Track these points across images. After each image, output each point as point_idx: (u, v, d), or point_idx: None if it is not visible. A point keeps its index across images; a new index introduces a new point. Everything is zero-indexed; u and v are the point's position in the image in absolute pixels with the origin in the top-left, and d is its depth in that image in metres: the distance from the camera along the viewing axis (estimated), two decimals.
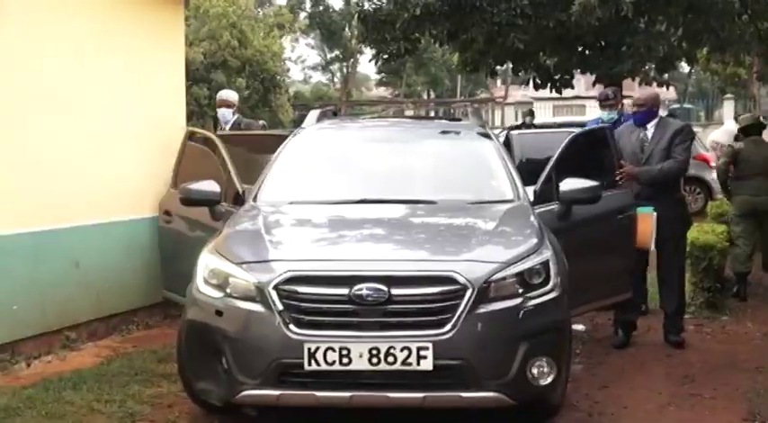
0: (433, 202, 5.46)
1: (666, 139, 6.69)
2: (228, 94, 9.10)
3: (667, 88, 18.65)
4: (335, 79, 60.52)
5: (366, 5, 13.68)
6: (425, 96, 57.28)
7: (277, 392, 4.36)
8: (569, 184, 5.62)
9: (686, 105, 51.69)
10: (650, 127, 6.81)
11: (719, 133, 14.40)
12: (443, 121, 7.51)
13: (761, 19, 14.20)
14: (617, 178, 6.53)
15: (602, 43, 13.89)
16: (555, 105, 41.22)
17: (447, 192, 5.64)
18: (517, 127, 13.64)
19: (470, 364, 4.29)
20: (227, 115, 8.80)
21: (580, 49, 14.30)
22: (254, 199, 5.64)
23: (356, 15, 13.71)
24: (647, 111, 6.83)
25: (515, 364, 4.39)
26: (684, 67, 26.46)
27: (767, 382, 5.74)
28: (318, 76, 63.04)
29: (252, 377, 4.37)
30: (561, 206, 5.72)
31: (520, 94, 49.42)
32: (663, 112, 7.63)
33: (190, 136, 7.32)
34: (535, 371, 4.48)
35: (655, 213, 6.41)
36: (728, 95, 33.17)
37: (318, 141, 6.38)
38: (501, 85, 53.22)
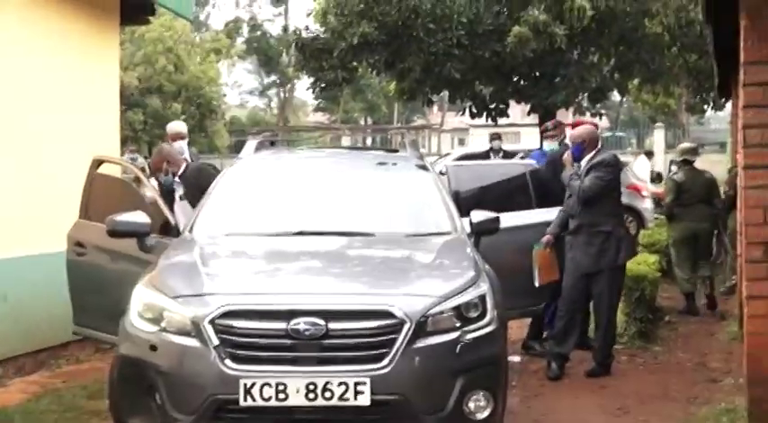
0: (370, 235, 5.44)
1: (586, 173, 6.82)
2: (180, 126, 8.73)
3: (600, 118, 19.04)
4: (272, 104, 60.37)
5: (304, 34, 13.73)
6: (362, 123, 57.47)
7: None
8: (478, 216, 5.74)
9: (618, 133, 52.78)
10: (584, 161, 6.87)
11: (638, 169, 14.94)
12: (381, 152, 7.48)
13: (689, 52, 14.61)
14: None
15: (537, 74, 14.16)
16: (490, 133, 41.64)
17: (385, 224, 5.63)
18: (486, 153, 13.47)
19: (408, 399, 4.26)
20: (184, 147, 8.37)
21: (515, 79, 14.59)
22: (190, 230, 5.57)
23: (294, 43, 13.75)
24: (579, 145, 6.94)
25: (452, 398, 4.37)
26: (616, 97, 27.01)
27: (699, 412, 5.83)
28: (255, 101, 62.82)
29: (186, 413, 4.28)
30: (473, 236, 5.74)
31: (456, 120, 49.93)
32: None
33: (98, 164, 7.03)
34: (472, 405, 4.46)
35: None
36: (659, 124, 33.96)
37: (256, 172, 6.33)
38: (437, 112, 53.66)
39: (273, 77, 56.69)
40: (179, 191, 7.17)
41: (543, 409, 6.02)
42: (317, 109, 59.95)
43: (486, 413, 4.49)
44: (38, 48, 7.02)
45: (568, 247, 6.86)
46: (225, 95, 37.86)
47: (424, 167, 6.36)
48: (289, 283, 4.74)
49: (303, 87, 75.95)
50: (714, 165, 17.00)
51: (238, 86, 61.19)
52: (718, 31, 7.61)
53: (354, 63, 13.74)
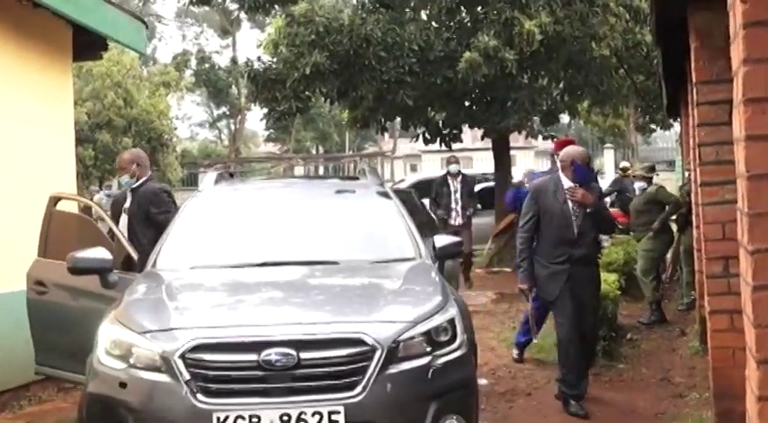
0: (335, 263, 5.45)
1: (595, 198, 6.41)
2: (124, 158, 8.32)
3: (552, 140, 19.26)
4: (223, 136, 60.15)
5: (256, 64, 13.74)
6: (314, 152, 57.51)
7: None
8: (442, 241, 5.83)
9: None
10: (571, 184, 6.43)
11: None
12: (342, 180, 7.51)
13: (636, 73, 14.89)
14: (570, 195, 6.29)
15: (489, 98, 14.31)
16: (442, 158, 41.93)
17: (349, 251, 5.64)
18: (444, 177, 13.20)
19: None
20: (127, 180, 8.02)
21: (467, 104, 14.70)
22: (153, 264, 5.52)
23: (246, 74, 13.75)
24: (587, 168, 6.55)
25: None
26: (565, 119, 27.33)
27: None
28: (205, 133, 62.58)
29: None
30: (438, 261, 5.77)
31: (408, 147, 50.14)
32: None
33: (55, 202, 6.84)
34: None
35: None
36: (608, 145, 34.43)
37: (216, 204, 6.31)
38: (389, 139, 53.90)
39: (223, 109, 56.56)
40: (126, 202, 7.01)
41: None
42: (269, 139, 59.88)
43: None
44: None
45: (562, 279, 6.30)
46: (176, 128, 37.63)
47: (385, 194, 6.39)
48: (258, 314, 4.71)
49: (254, 118, 75.99)
50: (664, 182, 17.28)
51: (188, 119, 60.99)
52: (667, 52, 7.77)
53: (307, 93, 13.76)
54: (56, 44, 7.87)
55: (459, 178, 13.18)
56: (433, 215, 12.60)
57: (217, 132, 61.70)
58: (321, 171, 44.39)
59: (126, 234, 6.56)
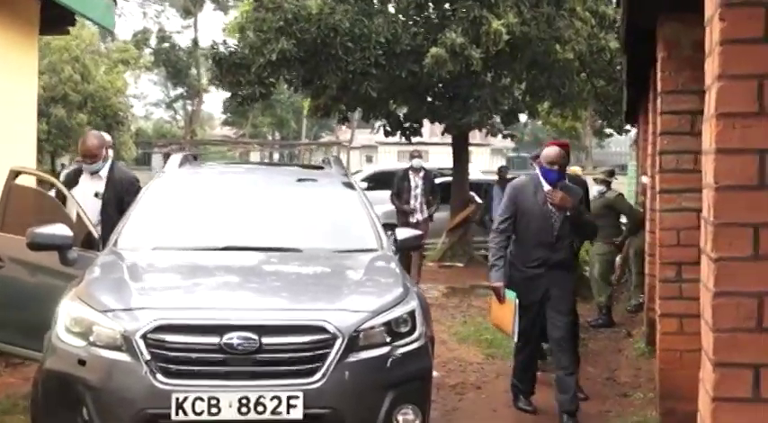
0: (298, 250, 5.49)
1: (576, 202, 6.16)
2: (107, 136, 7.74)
3: (512, 139, 19.49)
4: (178, 117, 59.61)
5: (221, 48, 13.67)
6: (271, 138, 57.27)
7: None
8: (403, 233, 5.94)
9: (523, 154, 53.96)
10: (558, 188, 6.12)
11: None
12: (307, 168, 7.53)
13: (597, 78, 15.08)
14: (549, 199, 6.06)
15: (452, 95, 14.38)
16: (399, 150, 42.06)
17: (312, 240, 5.68)
18: (406, 172, 12.98)
19: (340, 413, 4.32)
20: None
21: (430, 99, 14.77)
22: (114, 244, 5.51)
23: (211, 57, 13.67)
24: (561, 170, 6.16)
25: (383, 411, 4.44)
26: (522, 119, 27.54)
27: None
28: (160, 113, 61.94)
29: None
30: (398, 253, 5.84)
31: (364, 137, 50.22)
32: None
33: (15, 175, 6.61)
34: (401, 418, 4.54)
35: (516, 300, 6.06)
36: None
37: (181, 186, 6.30)
38: (346, 129, 53.89)
39: (180, 90, 56.06)
40: (98, 187, 6.92)
41: None
42: (225, 123, 59.51)
43: None
44: None
45: (537, 284, 6.09)
46: (132, 106, 37.24)
47: (349, 184, 6.44)
48: (221, 297, 4.74)
49: (211, 100, 75.36)
50: (617, 186, 17.57)
51: (143, 98, 60.34)
52: (632, 60, 7.93)
53: (272, 79, 13.73)
54: (23, 17, 7.79)
55: (422, 174, 12.95)
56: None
57: (172, 113, 61.14)
58: (276, 158, 44.28)
59: (99, 218, 6.54)
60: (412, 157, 13.21)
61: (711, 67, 2.70)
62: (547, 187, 6.11)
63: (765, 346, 2.58)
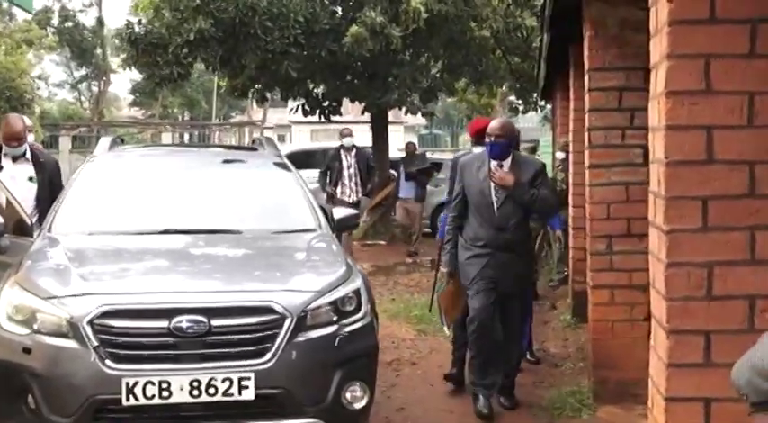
0: (238, 232, 5.50)
1: (528, 179, 5.70)
2: (27, 120, 7.43)
3: (431, 117, 19.65)
4: (83, 98, 58.15)
5: (136, 28, 13.42)
6: (181, 118, 56.38)
7: None
8: (340, 213, 6.05)
9: (435, 131, 54.39)
10: (505, 164, 5.74)
11: None
12: (240, 149, 7.51)
13: (513, 55, 15.32)
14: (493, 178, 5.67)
15: (371, 74, 14.43)
16: (312, 130, 41.93)
17: (250, 221, 5.69)
18: (337, 150, 12.48)
19: (290, 392, 4.37)
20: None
21: (349, 78, 14.79)
22: (49, 229, 5.42)
23: (126, 37, 13.40)
24: (505, 142, 5.69)
25: (332, 389, 4.51)
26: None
27: (547, 395, 6.22)
28: (64, 94, 60.29)
29: (65, 415, 4.21)
30: (336, 232, 5.92)
31: (276, 117, 49.84)
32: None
33: None
34: (349, 395, 4.61)
35: (448, 287, 5.92)
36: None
37: (113, 170, 6.22)
38: (257, 109, 53.41)
39: (85, 70, 54.67)
40: (27, 171, 6.77)
41: (403, 399, 6.26)
42: (134, 103, 58.36)
43: (362, 403, 4.66)
44: None
45: (482, 264, 5.70)
46: (39, 88, 36.18)
47: (284, 165, 6.45)
48: (168, 281, 4.74)
49: (117, 81, 73.68)
50: None
51: (45, 79, 58.63)
52: (552, 38, 8.09)
53: (189, 59, 13.55)
54: None
55: (354, 152, 12.51)
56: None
57: (77, 94, 59.60)
58: (187, 138, 43.59)
59: (34, 203, 6.42)
60: (342, 135, 12.70)
61: (659, 46, 2.82)
62: (494, 164, 5.72)
63: (715, 313, 2.73)
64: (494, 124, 5.81)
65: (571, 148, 8.58)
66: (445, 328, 6.21)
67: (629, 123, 5.66)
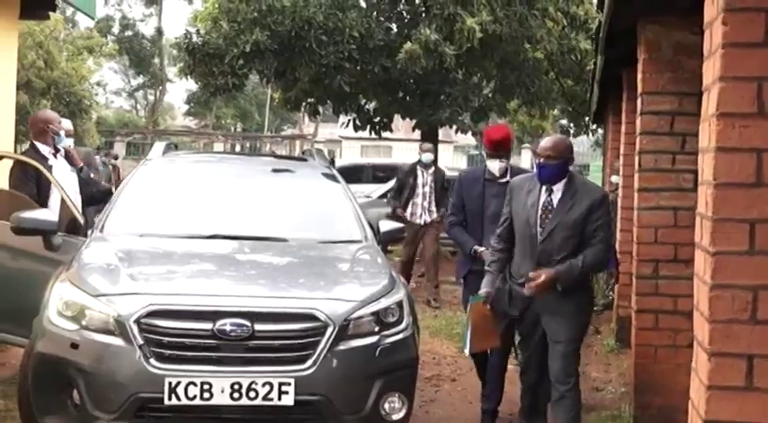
0: (284, 240, 5.55)
1: (581, 211, 4.86)
2: (65, 123, 7.25)
3: (481, 137, 19.64)
4: (138, 106, 59.09)
5: (194, 38, 13.65)
6: (233, 129, 56.99)
7: None
8: (386, 226, 6.01)
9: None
10: (557, 189, 4.93)
11: None
12: (291, 160, 7.59)
13: (566, 78, 15.29)
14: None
15: (423, 91, 14.50)
16: (363, 146, 42.14)
17: (297, 230, 5.74)
18: (413, 167, 11.18)
19: (329, 400, 4.40)
20: (69, 143, 7.17)
21: (401, 94, 14.87)
22: (101, 230, 5.54)
23: (184, 47, 13.64)
24: (557, 164, 4.89)
25: (371, 399, 4.54)
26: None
27: (588, 418, 6.14)
28: (120, 102, 61.33)
29: (108, 411, 4.30)
30: (381, 245, 5.93)
31: (327, 132, 50.19)
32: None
33: None
34: (387, 406, 4.63)
35: (474, 306, 5.14)
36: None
37: (165, 174, 6.33)
38: (309, 123, 53.82)
39: (143, 79, 55.59)
40: (67, 166, 6.89)
41: (441, 414, 6.26)
42: (188, 113, 59.16)
43: (400, 415, 4.68)
44: None
45: (523, 301, 5.03)
46: (97, 94, 36.90)
47: (332, 176, 6.51)
48: (214, 284, 4.80)
49: (173, 90, 74.80)
50: None
51: (103, 86, 59.71)
52: (606, 61, 8.07)
53: (245, 70, 13.75)
54: (3, 1, 7.74)
55: (432, 170, 11.13)
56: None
57: (133, 102, 60.59)
58: (238, 149, 44.08)
59: (80, 199, 6.56)
60: (422, 150, 11.30)
61: (712, 68, 2.82)
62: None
63: (759, 337, 2.70)
64: (545, 143, 5.02)
65: (621, 172, 8.53)
66: (466, 349, 5.39)
67: (681, 148, 5.62)
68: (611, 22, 6.37)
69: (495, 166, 5.85)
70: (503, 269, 5.16)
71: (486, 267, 5.23)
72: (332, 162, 9.09)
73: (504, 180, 5.72)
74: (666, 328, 5.64)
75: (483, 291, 5.11)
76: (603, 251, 4.99)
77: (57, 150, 6.82)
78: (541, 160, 4.96)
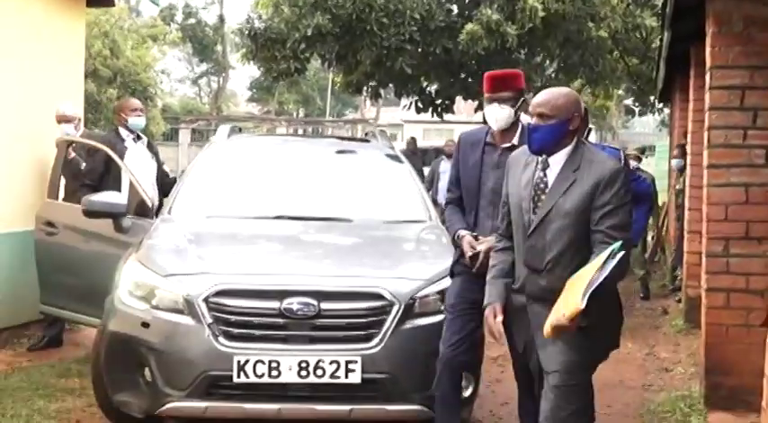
0: (349, 220, 5.57)
1: (583, 192, 3.51)
2: (65, 108, 7.34)
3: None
4: (202, 93, 59.74)
5: (256, 23, 13.74)
6: (295, 115, 57.31)
7: (204, 404, 4.37)
8: None
9: None
10: (555, 162, 3.61)
11: None
12: (352, 141, 7.61)
13: (630, 55, 15.03)
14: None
15: (484, 72, 14.35)
16: (425, 129, 42.06)
17: (362, 210, 5.75)
18: None
19: (396, 378, 4.42)
20: (68, 131, 7.27)
21: (463, 76, 14.78)
22: (169, 211, 5.63)
23: (247, 32, 13.74)
24: (555, 126, 3.54)
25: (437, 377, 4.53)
26: None
27: (656, 398, 6.10)
28: (184, 89, 62.06)
29: (178, 389, 4.38)
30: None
31: (389, 115, 50.18)
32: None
33: (67, 146, 6.82)
34: None
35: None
36: (590, 126, 34.71)
37: (230, 156, 6.38)
38: (370, 107, 53.85)
39: (206, 66, 56.17)
40: (146, 152, 7.09)
41: (507, 394, 6.19)
42: (251, 99, 59.66)
43: (468, 392, 4.69)
44: (1, 29, 6.98)
45: (520, 317, 3.71)
46: (161, 82, 37.43)
47: (396, 157, 6.51)
48: (280, 264, 4.85)
49: (236, 77, 75.53)
50: (644, 165, 17.60)
51: (168, 74, 60.49)
52: (673, 37, 7.92)
53: (306, 54, 13.79)
54: None
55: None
56: None
57: (197, 89, 61.30)
58: (300, 134, 44.30)
59: (155, 184, 6.71)
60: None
61: None
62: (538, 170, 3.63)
63: None
64: (537, 97, 3.66)
65: (689, 150, 8.38)
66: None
67: (752, 123, 5.49)
68: None
69: (493, 114, 4.30)
70: (509, 274, 3.77)
71: (489, 270, 3.86)
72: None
73: (507, 144, 4.31)
74: (738, 306, 5.52)
75: (486, 305, 3.78)
76: (620, 262, 3.34)
77: (139, 137, 7.00)
78: (532, 120, 3.62)
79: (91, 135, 7.71)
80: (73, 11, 7.96)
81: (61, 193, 6.79)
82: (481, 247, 4.21)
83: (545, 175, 3.62)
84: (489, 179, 4.35)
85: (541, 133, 3.57)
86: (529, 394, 3.96)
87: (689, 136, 8.65)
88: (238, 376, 4.31)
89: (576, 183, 3.53)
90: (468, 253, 4.27)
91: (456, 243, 4.43)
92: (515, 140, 4.32)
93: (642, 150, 11.47)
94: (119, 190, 6.26)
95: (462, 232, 4.38)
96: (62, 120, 7.27)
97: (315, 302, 4.39)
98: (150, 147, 7.15)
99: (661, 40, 9.30)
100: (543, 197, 3.59)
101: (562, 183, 3.56)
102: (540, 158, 3.64)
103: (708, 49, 5.71)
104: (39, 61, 7.40)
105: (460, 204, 4.51)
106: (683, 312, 8.44)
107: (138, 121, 6.97)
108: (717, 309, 5.60)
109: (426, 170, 15.11)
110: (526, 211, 3.63)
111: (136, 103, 7.14)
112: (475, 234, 4.33)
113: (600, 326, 3.53)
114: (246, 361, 4.31)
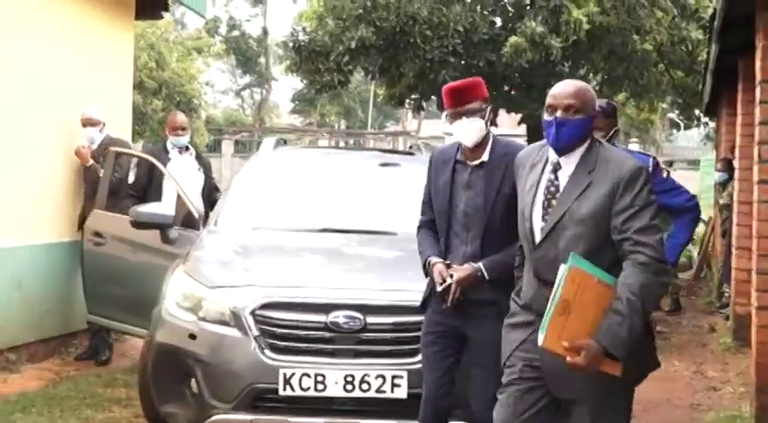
0: (393, 234, 5.55)
1: (601, 195, 3.13)
2: (92, 112, 7.36)
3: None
4: (245, 105, 60.19)
5: (300, 35, 13.81)
6: (337, 127, 57.51)
7: (250, 417, 4.39)
8: None
9: None
10: (568, 162, 3.24)
11: None
12: (398, 154, 7.61)
13: (676, 69, 14.87)
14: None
15: (528, 84, 14.32)
16: None
17: (406, 224, 5.70)
18: None
19: None
20: (92, 135, 7.37)
21: (506, 88, 14.72)
22: (215, 223, 5.66)
23: (291, 44, 13.82)
24: (583, 122, 3.18)
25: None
26: None
27: (705, 417, 6.01)
28: (228, 101, 62.56)
29: (225, 401, 4.40)
30: None
31: (431, 128, 50.16)
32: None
33: (116, 157, 6.89)
34: None
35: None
36: (633, 139, 34.34)
37: (276, 168, 6.40)
38: (411, 120, 53.88)
39: (249, 78, 56.61)
40: (193, 164, 7.20)
41: None
42: (293, 111, 59.99)
43: None
44: (55, 41, 7.10)
45: (520, 339, 3.40)
46: (206, 94, 37.78)
47: None
48: (326, 277, 4.86)
49: (278, 89, 76.07)
50: (686, 181, 17.35)
51: (212, 85, 61.03)
52: (720, 50, 7.83)
53: (350, 67, 13.83)
54: (118, 1, 8.00)
55: None
56: None
57: (240, 101, 61.77)
58: (342, 146, 44.47)
59: (201, 195, 6.78)
60: None
61: None
62: (553, 157, 3.29)
63: None
64: (562, 88, 3.24)
65: (737, 165, 8.26)
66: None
67: None
68: (728, 9, 6.19)
69: (462, 130, 3.92)
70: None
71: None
72: None
73: (477, 161, 3.98)
74: None
75: (427, 261, 4.02)
76: (657, 272, 3.00)
77: (186, 149, 7.11)
78: (558, 114, 3.17)
79: (143, 148, 7.88)
80: (122, 24, 8.08)
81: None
82: (453, 278, 3.87)
83: (556, 177, 3.25)
84: (461, 201, 3.99)
85: (571, 128, 3.16)
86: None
87: (737, 150, 8.53)
88: (284, 389, 4.32)
89: (592, 186, 3.14)
90: (439, 283, 3.88)
91: (426, 271, 4.09)
92: (485, 157, 3.97)
93: (670, 164, 11.22)
94: (159, 200, 6.38)
95: (434, 259, 4.00)
96: (87, 123, 7.35)
97: (361, 316, 4.39)
98: (199, 158, 7.23)
99: (708, 52, 9.21)
100: (554, 202, 3.21)
101: (576, 186, 3.18)
102: (549, 158, 3.27)
103: (758, 63, 5.65)
104: (91, 74, 7.52)
105: (433, 227, 4.16)
106: (732, 330, 8.31)
107: (177, 140, 7.05)
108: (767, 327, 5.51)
109: None
110: (528, 218, 3.27)
111: (179, 121, 7.17)
112: (447, 262, 3.97)
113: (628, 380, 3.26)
114: (292, 374, 4.32)
